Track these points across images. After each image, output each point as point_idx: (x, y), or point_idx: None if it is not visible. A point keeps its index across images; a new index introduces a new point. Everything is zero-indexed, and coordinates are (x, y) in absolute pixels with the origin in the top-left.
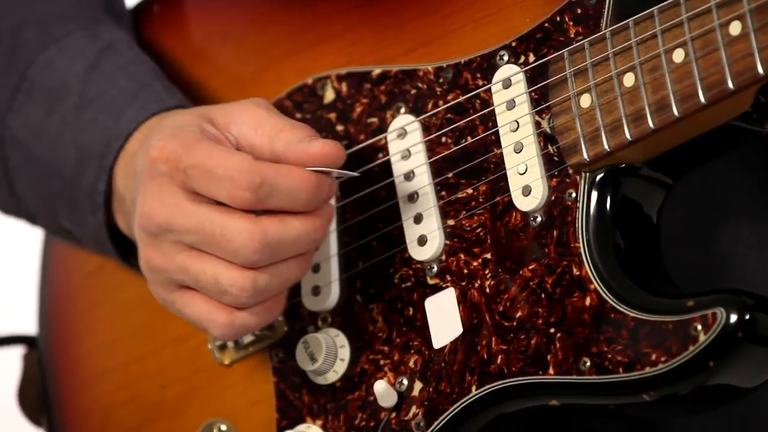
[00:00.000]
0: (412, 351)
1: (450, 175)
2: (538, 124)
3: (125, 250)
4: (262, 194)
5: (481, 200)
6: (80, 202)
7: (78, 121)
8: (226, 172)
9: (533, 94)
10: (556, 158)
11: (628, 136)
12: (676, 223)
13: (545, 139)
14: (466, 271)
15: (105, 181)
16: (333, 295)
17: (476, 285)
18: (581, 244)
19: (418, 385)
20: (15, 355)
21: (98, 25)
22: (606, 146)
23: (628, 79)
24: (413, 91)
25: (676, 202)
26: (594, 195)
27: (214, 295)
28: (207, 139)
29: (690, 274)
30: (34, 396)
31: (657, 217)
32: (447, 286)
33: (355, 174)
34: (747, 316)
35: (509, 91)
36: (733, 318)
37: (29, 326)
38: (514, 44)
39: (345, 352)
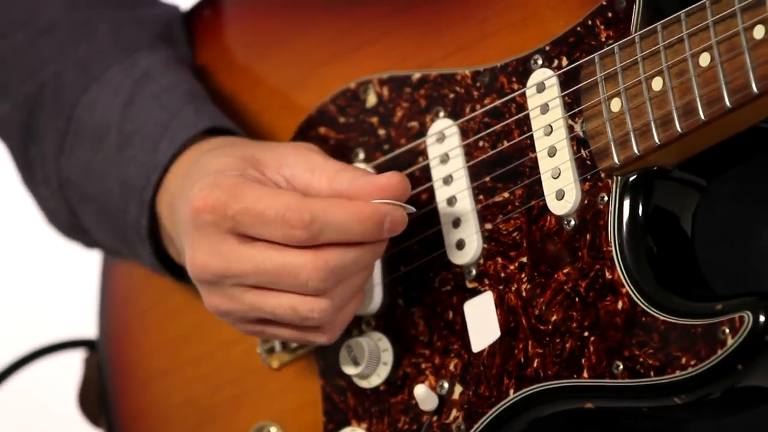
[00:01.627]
0: (452, 354)
1: (487, 179)
2: (571, 128)
3: (182, 269)
4: (315, 230)
5: (517, 204)
6: (130, 236)
7: (119, 158)
8: (277, 213)
9: (566, 98)
10: (588, 162)
11: (656, 140)
12: (715, 220)
13: (578, 143)
14: (503, 274)
15: (147, 215)
16: (376, 299)
17: (513, 289)
18: (613, 248)
19: (458, 389)
20: (76, 359)
21: (136, 53)
22: (636, 150)
23: (657, 83)
24: (451, 95)
25: (715, 199)
26: (626, 199)
27: (296, 322)
28: (250, 183)
29: (730, 270)
30: (94, 398)
31: (692, 218)
32: (485, 290)
33: (412, 209)
34: None
35: (543, 95)
36: (760, 321)
37: (90, 330)
38: (548, 48)
39: (388, 356)
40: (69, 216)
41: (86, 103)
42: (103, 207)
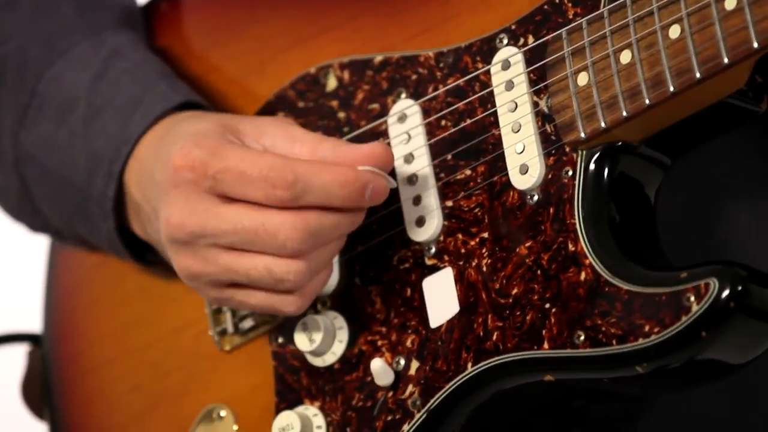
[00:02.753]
0: (410, 331)
1: (449, 156)
2: (536, 104)
3: (140, 249)
4: (297, 191)
5: (479, 180)
6: (92, 210)
7: (87, 131)
8: (260, 172)
9: (531, 74)
10: (553, 137)
11: (624, 113)
12: (675, 208)
13: (543, 118)
14: (463, 250)
15: (114, 187)
16: (332, 278)
17: (473, 264)
18: (577, 220)
19: (414, 364)
20: (20, 353)
21: (102, 32)
22: (602, 123)
23: (625, 57)
24: (414, 77)
25: (675, 186)
26: (591, 170)
27: (270, 286)
28: (232, 144)
29: (687, 256)
30: (37, 389)
31: (655, 197)
32: (444, 266)
33: (394, 184)
34: (739, 287)
35: (508, 72)
36: (726, 289)
37: (34, 325)
38: (513, 27)
39: (343, 334)
40: (20, 193)
41: (51, 78)
42: (65, 181)
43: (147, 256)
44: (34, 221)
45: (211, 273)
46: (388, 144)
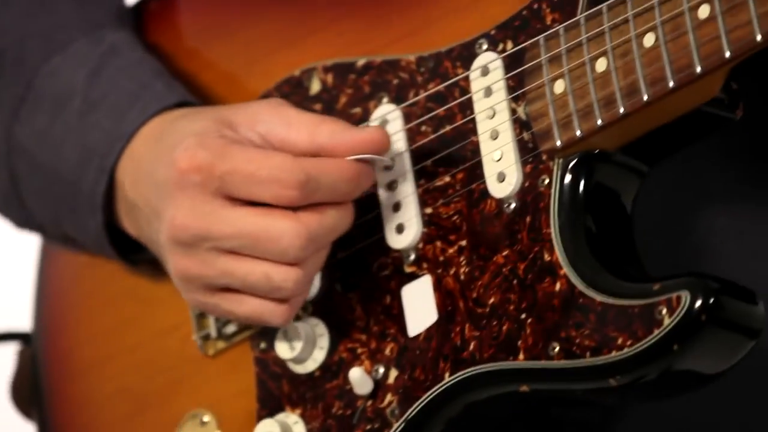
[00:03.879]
0: (389, 339)
1: (428, 162)
2: (513, 111)
3: (126, 248)
4: (308, 190)
5: (458, 188)
6: (80, 205)
7: (81, 125)
8: (270, 172)
9: (510, 81)
10: (530, 145)
11: (598, 121)
12: (652, 211)
13: (520, 125)
14: (442, 258)
15: (105, 182)
16: (314, 284)
17: (451, 272)
18: (553, 230)
19: (393, 373)
20: (10, 352)
21: (101, 29)
22: (577, 131)
23: (600, 64)
24: (396, 81)
25: (653, 190)
26: (567, 179)
27: (266, 293)
28: (237, 144)
29: (665, 262)
30: (26, 389)
31: (632, 204)
32: (423, 274)
33: (390, 163)
34: (711, 300)
35: (487, 79)
36: (698, 301)
37: (26, 324)
38: (493, 32)
39: (324, 341)
40: (8, 187)
41: (48, 72)
42: (55, 175)
43: (132, 255)
44: (20, 216)
45: (207, 276)
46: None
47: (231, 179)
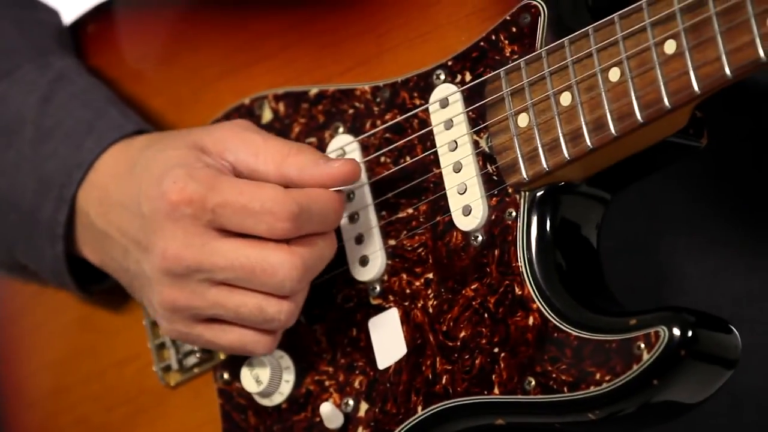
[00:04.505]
0: (357, 372)
1: (390, 195)
2: (476, 144)
3: (83, 277)
4: (301, 222)
5: (421, 220)
6: (37, 234)
7: (36, 154)
8: (263, 205)
9: (471, 113)
10: (495, 177)
11: (566, 155)
12: (614, 233)
13: (484, 158)
14: (408, 291)
15: (66, 211)
16: None
17: (419, 305)
18: (522, 264)
19: (363, 406)
20: None
21: (48, 56)
22: (545, 165)
23: (565, 98)
24: (351, 111)
25: (614, 213)
26: (534, 215)
27: (257, 324)
28: (225, 175)
29: (629, 284)
30: None
31: (597, 233)
32: (390, 307)
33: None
34: (689, 334)
35: (447, 111)
36: (676, 336)
37: None
38: (450, 63)
39: (290, 374)
40: None
41: None
42: (9, 204)
43: (90, 285)
44: None
45: (196, 307)
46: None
47: (223, 212)
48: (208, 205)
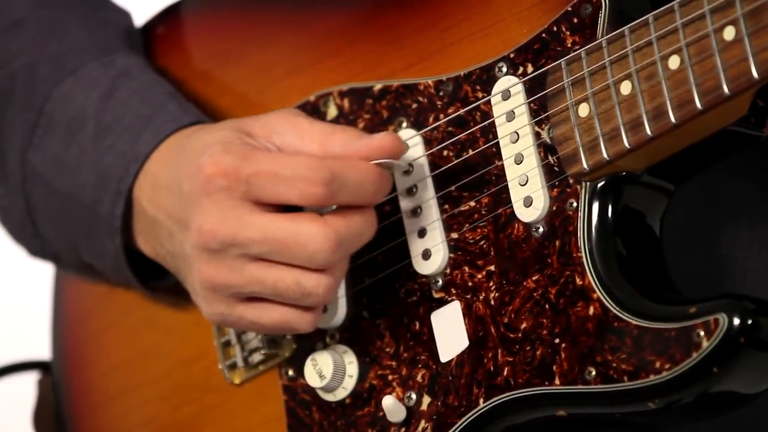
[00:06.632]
0: (420, 365)
1: (452, 188)
2: (537, 135)
3: (145, 274)
4: (334, 188)
5: (483, 212)
6: (98, 228)
7: (96, 150)
8: (296, 170)
9: (532, 104)
10: (556, 168)
11: (626, 144)
12: (676, 227)
13: (545, 149)
14: (470, 284)
15: (122, 204)
16: (340, 311)
17: (481, 297)
18: (583, 254)
19: (426, 400)
20: (30, 381)
21: (112, 54)
22: (605, 155)
23: (625, 87)
24: (414, 105)
25: (676, 206)
26: (595, 204)
27: (295, 299)
28: (260, 149)
29: (691, 278)
30: (49, 420)
31: (660, 224)
32: (452, 300)
33: (405, 166)
34: (749, 321)
35: (508, 103)
36: (736, 323)
37: (43, 352)
38: (512, 55)
39: (353, 369)
40: (24, 214)
41: (59, 96)
42: (72, 200)
43: (151, 282)
44: (34, 245)
45: (235, 284)
46: (390, 176)
47: (256, 181)
48: (242, 175)
